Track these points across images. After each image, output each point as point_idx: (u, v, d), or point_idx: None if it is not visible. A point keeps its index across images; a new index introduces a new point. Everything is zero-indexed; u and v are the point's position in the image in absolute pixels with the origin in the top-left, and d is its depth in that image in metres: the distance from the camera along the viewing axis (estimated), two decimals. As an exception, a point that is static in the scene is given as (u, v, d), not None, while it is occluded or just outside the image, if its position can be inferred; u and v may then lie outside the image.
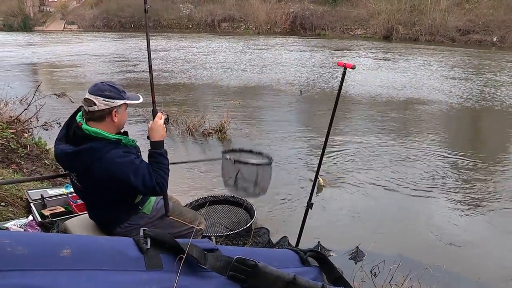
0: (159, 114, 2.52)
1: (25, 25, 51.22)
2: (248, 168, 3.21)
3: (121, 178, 2.22)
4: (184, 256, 1.19)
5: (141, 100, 2.44)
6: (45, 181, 4.90)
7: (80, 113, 2.35)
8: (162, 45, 27.74)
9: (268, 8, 39.26)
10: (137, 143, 2.51)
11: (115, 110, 2.29)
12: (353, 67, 3.05)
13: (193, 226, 2.65)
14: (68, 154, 2.25)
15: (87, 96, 2.26)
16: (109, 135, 2.28)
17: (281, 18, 38.94)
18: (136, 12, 46.55)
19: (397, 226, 4.78)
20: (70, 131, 2.34)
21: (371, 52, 21.81)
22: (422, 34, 30.75)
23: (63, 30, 50.01)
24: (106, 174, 2.21)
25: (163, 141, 2.47)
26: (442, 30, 30.48)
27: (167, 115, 2.58)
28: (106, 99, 2.26)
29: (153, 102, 2.59)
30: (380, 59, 19.36)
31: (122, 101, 2.31)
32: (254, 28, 40.07)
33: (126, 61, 19.88)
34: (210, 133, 7.92)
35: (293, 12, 39.02)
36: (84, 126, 2.27)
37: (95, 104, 2.24)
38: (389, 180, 5.99)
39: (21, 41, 32.76)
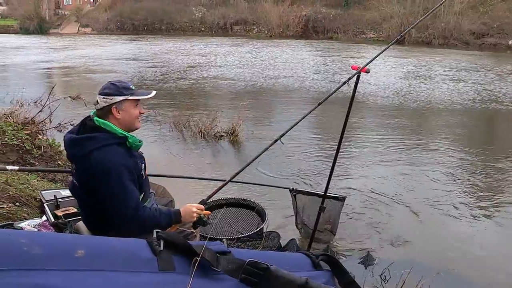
0: (201, 206, 2.52)
1: (41, 28, 51.89)
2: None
3: (111, 178, 2.19)
4: (199, 259, 1.19)
5: (151, 95, 2.40)
6: (58, 182, 4.96)
7: (94, 111, 2.38)
8: (176, 47, 27.86)
9: (280, 11, 39.26)
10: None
11: (114, 106, 2.28)
12: (367, 71, 3.02)
13: (185, 230, 2.61)
14: (73, 140, 2.27)
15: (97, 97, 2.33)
16: (117, 129, 2.28)
17: (293, 21, 38.91)
18: (149, 15, 46.93)
19: (407, 231, 4.73)
20: (82, 126, 2.36)
21: (384, 56, 21.62)
22: (435, 37, 30.48)
23: (77, 33, 50.56)
24: (101, 166, 2.18)
25: (181, 218, 2.43)
26: (456, 33, 30.18)
27: (207, 218, 2.54)
28: (105, 97, 2.28)
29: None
30: (393, 63, 19.26)
31: (121, 97, 2.29)
32: (267, 31, 40.09)
33: (141, 63, 20.00)
34: (222, 136, 7.94)
35: (305, 15, 38.97)
36: (96, 118, 2.30)
37: (98, 103, 2.29)
38: (399, 185, 5.95)
39: (36, 44, 33.21)
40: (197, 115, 9.01)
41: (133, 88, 2.36)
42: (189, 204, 2.49)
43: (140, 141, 2.38)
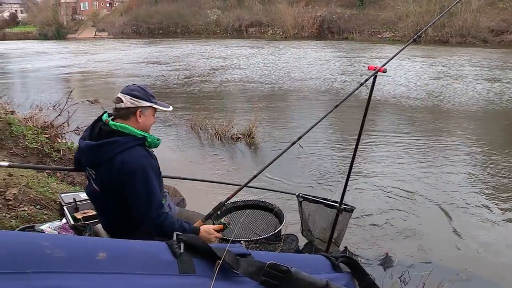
0: (219, 235, 2.54)
1: (59, 34, 52.84)
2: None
3: (137, 180, 2.22)
4: (221, 262, 1.18)
5: (170, 109, 2.51)
6: (77, 185, 5.02)
7: (106, 114, 2.40)
8: (196, 50, 27.98)
9: (295, 12, 39.26)
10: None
11: (140, 110, 2.34)
12: (384, 71, 2.98)
13: (212, 210, 2.67)
14: (92, 147, 2.27)
15: (118, 94, 2.37)
16: (136, 131, 2.32)
17: (308, 22, 38.87)
18: (165, 18, 47.35)
19: (427, 233, 4.65)
20: (95, 131, 2.37)
21: (400, 55, 21.39)
22: (453, 36, 30.10)
23: (94, 37, 51.28)
24: (126, 168, 2.21)
25: (199, 233, 2.45)
26: (474, 31, 29.77)
27: (227, 223, 2.60)
28: (133, 98, 2.33)
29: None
30: (410, 62, 19.08)
31: (148, 104, 2.36)
32: (281, 33, 40.11)
33: (163, 66, 20.12)
34: (239, 137, 7.94)
35: (320, 16, 38.89)
36: (111, 122, 2.32)
37: (122, 101, 2.32)
38: (419, 185, 5.88)
39: (58, 49, 33.75)
40: (214, 117, 9.03)
41: (155, 97, 2.44)
42: (209, 226, 2.52)
43: (158, 139, 2.43)
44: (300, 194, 3.92)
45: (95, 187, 2.38)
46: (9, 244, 0.99)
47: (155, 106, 2.39)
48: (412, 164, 6.71)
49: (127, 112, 2.32)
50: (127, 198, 2.27)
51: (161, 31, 47.51)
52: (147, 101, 2.36)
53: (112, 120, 2.36)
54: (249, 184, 3.17)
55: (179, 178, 3.71)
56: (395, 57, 3.38)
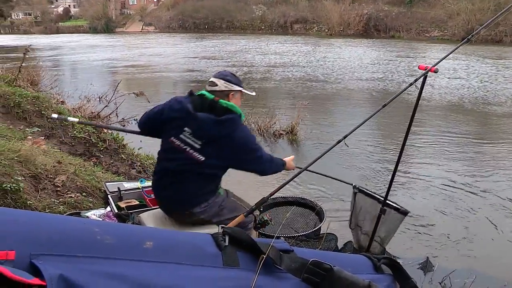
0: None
1: (107, 27, 54.49)
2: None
3: (250, 148, 2.60)
4: (265, 256, 1.19)
5: (253, 94, 2.86)
6: (121, 175, 5.15)
7: (204, 91, 2.66)
8: (250, 46, 28.06)
9: (341, 9, 38.73)
10: None
11: (232, 93, 2.64)
12: (435, 71, 2.89)
13: (255, 205, 2.79)
14: (216, 121, 2.50)
15: (212, 79, 2.67)
16: (238, 109, 2.62)
17: (354, 19, 38.25)
18: (211, 13, 47.82)
19: (471, 239, 4.49)
20: (204, 104, 2.58)
21: (451, 55, 20.65)
22: (507, 34, 28.71)
23: (141, 31, 52.48)
24: (241, 141, 2.55)
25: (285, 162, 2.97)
26: (531, 30, 28.29)
27: (269, 219, 2.96)
28: (227, 83, 2.64)
29: None
30: (460, 62, 18.45)
31: (239, 88, 2.68)
32: (327, 30, 39.69)
33: (219, 62, 20.23)
34: (281, 134, 7.93)
35: (367, 13, 38.20)
36: (222, 101, 2.58)
37: (216, 85, 2.62)
38: (467, 190, 5.68)
39: (108, 42, 34.76)
40: (257, 112, 9.02)
41: None
42: (289, 158, 3.02)
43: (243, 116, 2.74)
44: (356, 186, 3.86)
45: (196, 155, 2.52)
46: (62, 228, 1.02)
47: (243, 90, 2.72)
48: (461, 167, 6.50)
49: (221, 94, 2.60)
50: (243, 166, 2.67)
51: (206, 26, 48.02)
52: (238, 85, 2.68)
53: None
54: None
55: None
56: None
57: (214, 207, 2.65)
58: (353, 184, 3.86)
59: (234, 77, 2.71)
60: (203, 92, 2.64)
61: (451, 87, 13.24)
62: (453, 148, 7.48)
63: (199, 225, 2.69)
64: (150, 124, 2.76)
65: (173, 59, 21.93)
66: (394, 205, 3.54)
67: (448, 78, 14.75)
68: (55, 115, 3.46)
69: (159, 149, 2.71)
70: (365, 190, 3.77)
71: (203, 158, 2.51)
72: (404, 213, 3.49)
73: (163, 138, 2.67)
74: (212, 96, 2.59)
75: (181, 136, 2.53)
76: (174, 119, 2.56)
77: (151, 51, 26.90)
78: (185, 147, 2.52)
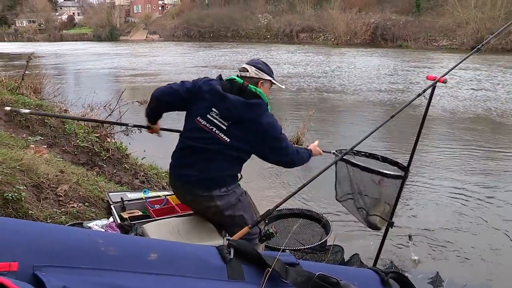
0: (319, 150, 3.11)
1: (112, 35, 54.96)
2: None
3: (276, 134, 2.63)
4: (270, 270, 1.18)
5: (283, 87, 2.97)
6: (124, 184, 5.16)
7: (234, 76, 2.72)
8: (261, 56, 28.05)
9: (348, 18, 38.90)
10: None
11: (261, 81, 2.70)
12: (444, 81, 2.89)
13: (260, 217, 2.77)
14: (245, 103, 2.55)
15: (244, 65, 2.74)
16: (265, 97, 2.68)
17: (361, 28, 38.42)
18: (216, 22, 48.15)
19: (483, 253, 4.44)
20: (234, 88, 2.63)
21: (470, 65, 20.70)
22: (519, 43, 28.56)
23: (145, 39, 52.86)
24: (268, 127, 2.59)
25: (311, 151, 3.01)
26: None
27: (274, 232, 2.87)
28: (258, 70, 2.70)
29: None
30: (469, 72, 18.42)
31: (269, 77, 2.73)
32: (333, 39, 39.83)
33: (234, 72, 20.08)
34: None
35: (374, 22, 38.39)
36: (252, 86, 2.64)
37: (247, 71, 2.68)
38: (479, 204, 5.63)
39: (110, 50, 34.94)
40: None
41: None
42: (314, 145, 3.10)
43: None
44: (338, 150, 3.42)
45: (221, 135, 2.56)
46: (66, 239, 1.03)
47: (273, 80, 2.76)
48: (472, 181, 6.43)
49: (250, 81, 2.66)
50: (267, 155, 2.72)
51: (211, 35, 48.33)
52: (269, 75, 2.74)
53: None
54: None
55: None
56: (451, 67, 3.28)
57: (232, 197, 2.65)
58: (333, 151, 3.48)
59: (266, 66, 2.77)
60: (233, 77, 2.70)
61: (459, 97, 13.21)
62: (463, 161, 7.43)
63: (205, 232, 2.70)
64: (172, 97, 2.75)
65: (183, 68, 21.96)
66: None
67: (458, 88, 14.71)
68: (8, 108, 3.57)
69: (183, 128, 2.74)
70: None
71: (228, 140, 2.55)
72: (399, 177, 3.16)
73: (188, 117, 2.70)
74: (242, 81, 2.65)
75: (208, 116, 2.57)
76: (202, 100, 2.61)
77: (159, 59, 27.00)
78: (211, 127, 2.56)
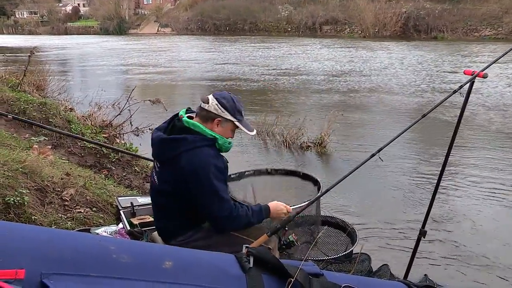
0: (289, 208, 2.69)
1: (120, 28, 55.35)
2: None
3: (202, 180, 2.33)
4: (293, 280, 1.19)
5: (253, 133, 2.59)
6: (135, 188, 5.20)
7: (184, 110, 2.55)
8: (295, 51, 27.86)
9: (376, 8, 38.42)
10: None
11: (219, 119, 2.44)
12: (484, 76, 2.84)
13: (280, 224, 2.63)
14: (161, 140, 2.43)
15: (209, 95, 2.48)
16: (207, 130, 2.42)
17: (391, 19, 37.87)
18: (232, 14, 48.16)
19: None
20: (170, 124, 2.53)
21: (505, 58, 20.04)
22: None
23: (156, 33, 53.16)
24: (190, 168, 2.34)
25: (269, 214, 2.61)
26: None
27: (295, 240, 2.80)
28: (219, 105, 2.43)
29: None
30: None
31: (230, 117, 2.45)
32: (360, 32, 39.49)
33: (265, 69, 19.97)
34: (309, 146, 7.92)
35: (405, 12, 37.72)
36: (185, 118, 2.45)
37: (208, 103, 2.43)
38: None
39: (124, 45, 35.17)
40: (282, 123, 9.01)
41: (243, 115, 2.53)
42: (277, 202, 2.65)
43: (230, 143, 2.52)
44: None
45: (156, 181, 2.53)
46: (75, 245, 1.04)
47: (236, 123, 2.48)
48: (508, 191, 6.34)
49: (208, 115, 2.44)
50: (194, 199, 2.41)
51: (227, 28, 48.37)
52: (231, 114, 2.45)
53: (189, 117, 2.49)
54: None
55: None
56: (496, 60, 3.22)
57: (190, 242, 2.51)
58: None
59: (232, 103, 2.47)
60: (183, 110, 2.56)
61: (501, 94, 12.99)
62: (502, 164, 7.32)
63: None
64: None
65: (210, 65, 21.83)
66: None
67: (499, 83, 14.44)
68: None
69: None
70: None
71: (157, 182, 2.53)
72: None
73: None
74: (181, 113, 2.51)
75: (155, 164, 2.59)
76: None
77: (182, 55, 26.96)
78: (154, 169, 2.59)
